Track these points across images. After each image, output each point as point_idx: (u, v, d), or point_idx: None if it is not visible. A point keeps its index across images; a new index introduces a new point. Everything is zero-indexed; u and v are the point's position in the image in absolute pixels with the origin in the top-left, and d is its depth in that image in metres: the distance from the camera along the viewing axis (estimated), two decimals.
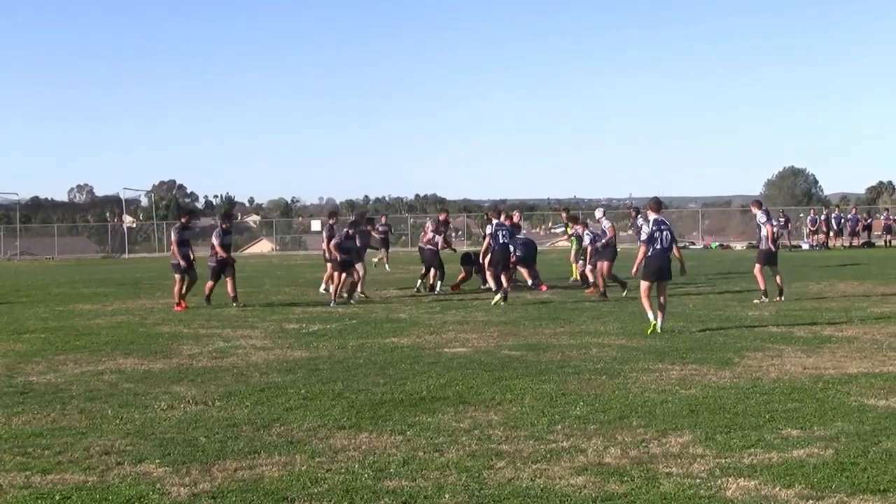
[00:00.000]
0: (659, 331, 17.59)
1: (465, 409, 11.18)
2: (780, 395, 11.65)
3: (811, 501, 7.55)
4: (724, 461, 8.71)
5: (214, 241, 25.47)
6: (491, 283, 25.39)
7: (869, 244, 57.53)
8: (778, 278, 23.72)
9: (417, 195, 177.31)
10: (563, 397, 11.77)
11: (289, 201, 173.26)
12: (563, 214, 35.81)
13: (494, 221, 25.98)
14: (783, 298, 23.20)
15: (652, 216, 18.48)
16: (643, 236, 18.64)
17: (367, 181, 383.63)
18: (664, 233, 18.18)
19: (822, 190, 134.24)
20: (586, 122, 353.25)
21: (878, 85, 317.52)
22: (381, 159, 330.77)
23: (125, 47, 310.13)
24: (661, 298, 18.06)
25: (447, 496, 7.87)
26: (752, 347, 15.62)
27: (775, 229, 25.01)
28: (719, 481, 8.09)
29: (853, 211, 62.43)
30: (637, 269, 18.31)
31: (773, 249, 24.00)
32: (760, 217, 24.81)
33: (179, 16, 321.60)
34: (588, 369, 13.77)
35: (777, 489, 7.84)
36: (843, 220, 58.38)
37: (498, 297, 24.11)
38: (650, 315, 17.91)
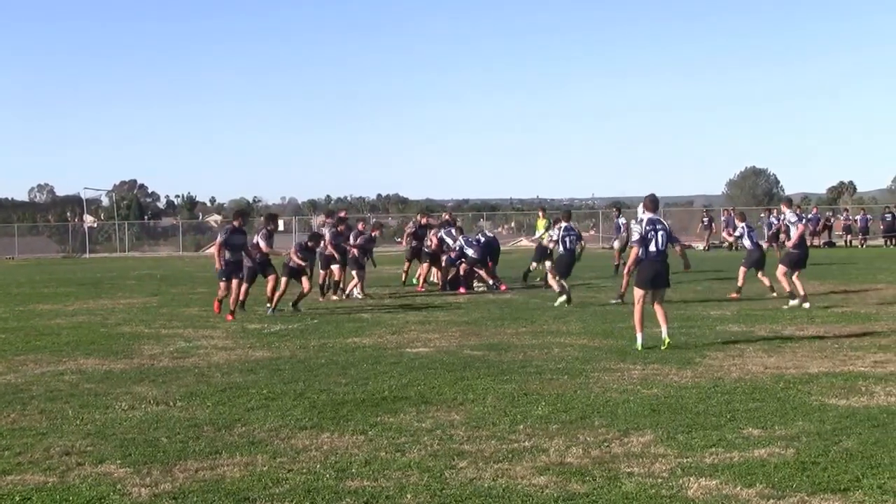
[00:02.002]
0: (665, 345, 15.56)
1: (426, 409, 11.17)
2: (741, 394, 11.70)
3: (772, 500, 7.58)
4: (685, 461, 8.74)
5: (261, 242, 23.39)
6: (554, 286, 24.00)
7: (830, 244, 57.91)
8: (798, 283, 22.31)
9: (380, 195, 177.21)
10: (524, 397, 11.78)
11: (250, 201, 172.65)
12: (541, 213, 35.89)
13: (563, 225, 24.96)
14: (800, 303, 21.86)
15: (647, 215, 16.29)
16: (635, 236, 16.71)
17: (330, 181, 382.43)
18: (659, 233, 15.99)
19: (783, 190, 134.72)
20: (549, 122, 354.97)
21: (840, 86, 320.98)
22: (344, 159, 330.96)
23: (85, 46, 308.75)
24: (660, 309, 16.06)
25: (409, 496, 7.85)
26: (714, 347, 15.68)
27: (802, 229, 23.29)
28: (681, 481, 8.11)
29: (814, 211, 62.75)
30: (629, 270, 17.59)
31: (804, 252, 22.69)
32: (790, 217, 24.07)
33: (139, 15, 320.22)
34: (550, 369, 13.78)
35: (738, 488, 7.87)
36: (805, 220, 58.33)
37: (562, 298, 23.13)
38: (639, 336, 15.71)
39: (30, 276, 43.48)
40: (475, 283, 28.74)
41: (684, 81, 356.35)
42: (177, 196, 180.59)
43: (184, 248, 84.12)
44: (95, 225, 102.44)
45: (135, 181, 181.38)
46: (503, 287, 28.16)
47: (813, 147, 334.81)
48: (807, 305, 21.54)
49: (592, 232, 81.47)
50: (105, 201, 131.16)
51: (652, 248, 15.87)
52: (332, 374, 13.75)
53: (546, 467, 8.61)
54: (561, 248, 24.42)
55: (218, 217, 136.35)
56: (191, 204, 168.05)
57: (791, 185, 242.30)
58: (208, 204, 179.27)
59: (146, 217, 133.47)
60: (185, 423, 10.65)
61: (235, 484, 8.28)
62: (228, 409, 11.44)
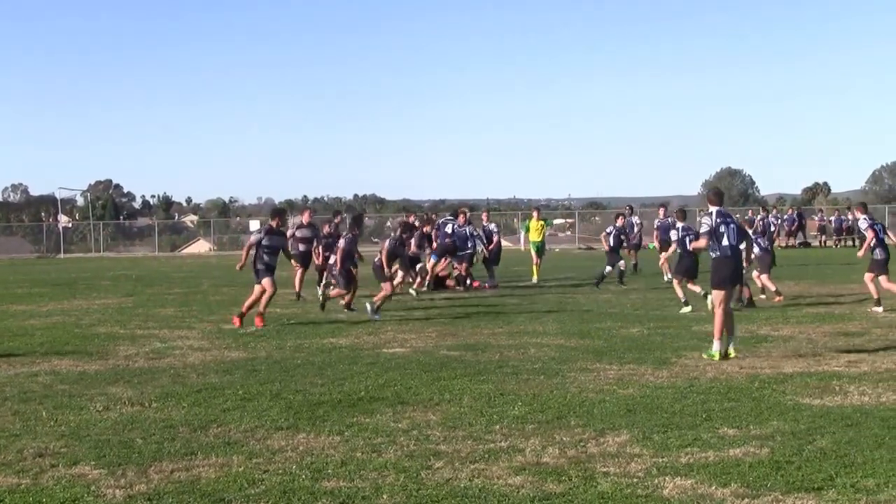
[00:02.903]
0: (732, 354, 14.49)
1: (403, 410, 11.16)
2: (716, 394, 11.74)
3: (747, 500, 7.61)
4: (660, 460, 8.76)
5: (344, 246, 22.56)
6: (679, 293, 21.75)
7: (805, 244, 58.12)
8: (687, 290, 21.79)
9: (356, 195, 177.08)
10: (501, 397, 11.78)
11: (227, 201, 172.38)
12: (535, 213, 35.05)
13: (680, 225, 23.25)
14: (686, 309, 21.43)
15: (714, 208, 15.26)
16: (703, 228, 15.15)
17: (306, 181, 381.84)
18: (731, 227, 15.02)
19: (758, 191, 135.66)
20: (525, 122, 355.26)
21: (816, 87, 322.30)
22: (320, 159, 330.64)
23: (60, 44, 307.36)
24: (730, 313, 15.02)
25: (385, 497, 7.85)
26: (690, 347, 15.72)
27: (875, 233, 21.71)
28: (656, 480, 8.13)
29: (789, 211, 62.92)
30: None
31: (887, 256, 21.35)
32: (862, 223, 22.74)
33: (115, 13, 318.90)
34: (526, 369, 13.79)
35: (713, 488, 7.89)
36: (780, 221, 58.05)
37: (688, 308, 21.33)
38: (716, 344, 14.49)
39: (3, 277, 43.27)
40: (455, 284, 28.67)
41: (661, 82, 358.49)
42: (152, 196, 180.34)
43: (159, 248, 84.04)
44: (70, 225, 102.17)
45: (110, 181, 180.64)
46: (476, 284, 28.25)
47: (788, 148, 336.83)
48: (879, 310, 20.61)
49: (569, 232, 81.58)
50: (80, 201, 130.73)
51: (725, 242, 14.84)
52: (308, 375, 13.73)
53: (522, 467, 8.62)
54: (681, 250, 22.28)
55: (194, 217, 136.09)
56: (167, 204, 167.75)
57: (766, 186, 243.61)
58: (184, 204, 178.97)
59: (121, 217, 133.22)
60: (161, 424, 10.61)
61: (211, 485, 8.25)
62: (204, 409, 11.41)
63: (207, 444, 9.67)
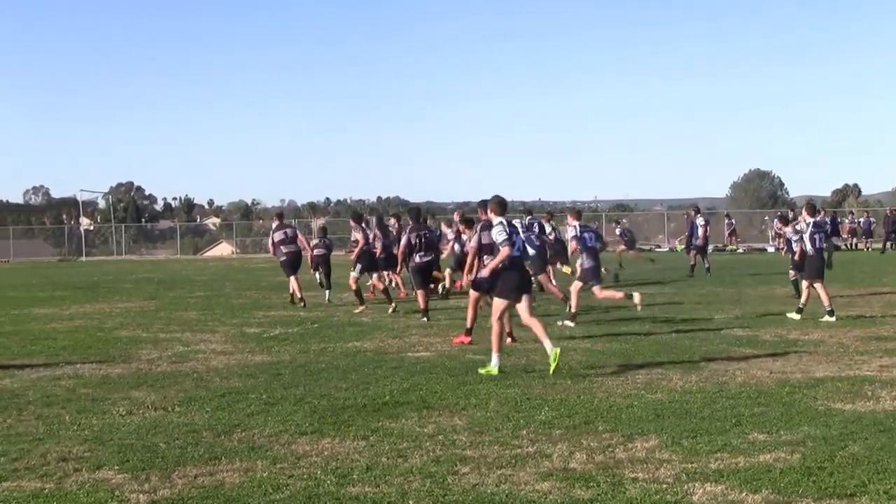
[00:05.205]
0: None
1: (428, 414, 11.08)
2: (746, 399, 11.61)
3: None
4: (690, 466, 8.65)
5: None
6: (824, 294, 20.35)
7: (835, 248, 57.75)
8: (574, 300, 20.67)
9: (380, 197, 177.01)
10: (527, 402, 11.68)
11: (249, 203, 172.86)
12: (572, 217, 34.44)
13: (810, 220, 21.48)
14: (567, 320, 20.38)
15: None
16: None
17: (329, 183, 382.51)
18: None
19: (787, 193, 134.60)
20: (552, 124, 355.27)
21: (846, 88, 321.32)
22: (343, 161, 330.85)
23: (82, 46, 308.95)
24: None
25: (411, 502, 7.77)
26: (719, 351, 15.60)
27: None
28: (686, 486, 8.03)
29: (821, 214, 62.47)
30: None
31: (596, 264, 20.84)
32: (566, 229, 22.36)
33: (136, 15, 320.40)
34: (553, 373, 13.68)
35: (744, 494, 7.79)
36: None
37: (830, 318, 19.99)
38: (495, 357, 14.06)
39: (25, 280, 43.45)
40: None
41: (688, 83, 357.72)
42: (174, 198, 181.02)
43: (181, 250, 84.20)
44: (92, 228, 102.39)
45: (132, 183, 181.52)
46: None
47: (818, 149, 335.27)
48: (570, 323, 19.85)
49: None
50: (101, 204, 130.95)
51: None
52: (332, 379, 13.66)
53: (549, 473, 8.52)
54: (810, 248, 21.06)
55: (216, 220, 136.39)
56: (188, 206, 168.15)
57: (796, 188, 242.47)
58: (206, 206, 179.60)
59: (143, 220, 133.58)
60: (184, 429, 10.56)
61: (235, 490, 8.19)
62: (228, 414, 11.35)
63: (231, 449, 9.61)
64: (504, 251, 14.09)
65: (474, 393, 12.32)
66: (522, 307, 14.18)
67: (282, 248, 26.16)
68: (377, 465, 8.89)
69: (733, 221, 62.41)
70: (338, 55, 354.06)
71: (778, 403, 11.31)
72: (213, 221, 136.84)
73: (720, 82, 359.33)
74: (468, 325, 17.26)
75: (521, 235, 14.61)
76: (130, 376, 14.32)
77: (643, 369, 13.94)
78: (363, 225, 24.75)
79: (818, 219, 22.26)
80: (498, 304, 14.32)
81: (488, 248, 15.35)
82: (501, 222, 14.31)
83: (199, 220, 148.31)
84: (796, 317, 20.04)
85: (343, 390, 12.74)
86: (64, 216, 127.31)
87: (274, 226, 27.43)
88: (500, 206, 14.75)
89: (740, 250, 54.90)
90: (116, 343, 18.32)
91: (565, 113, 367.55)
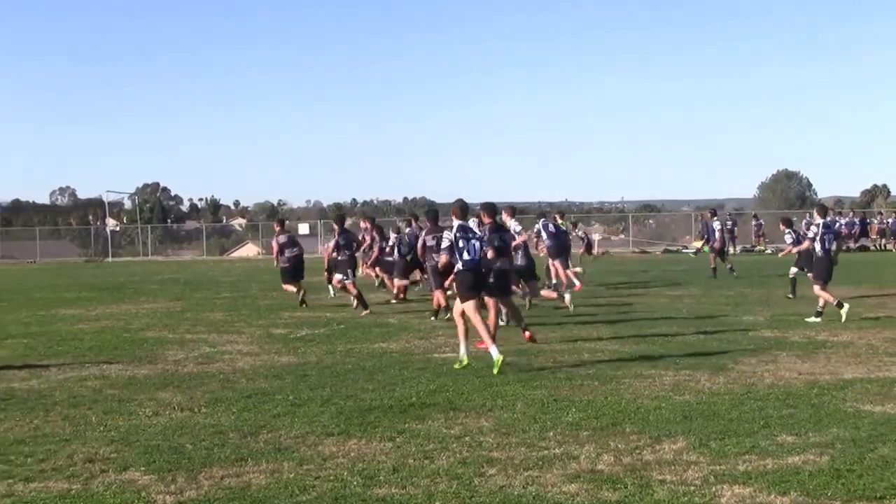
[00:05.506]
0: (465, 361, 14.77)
1: (455, 416, 11.06)
2: (774, 400, 11.55)
3: None
4: (718, 468, 8.61)
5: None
6: (826, 297, 20.29)
7: (863, 248, 57.44)
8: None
9: (406, 198, 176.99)
10: (554, 403, 11.65)
11: (275, 204, 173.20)
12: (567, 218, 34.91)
13: (820, 221, 21.18)
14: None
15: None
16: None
17: (355, 184, 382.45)
18: (471, 241, 15.51)
19: (815, 193, 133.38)
20: (579, 124, 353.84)
21: (874, 87, 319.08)
22: (369, 162, 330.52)
23: (108, 47, 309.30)
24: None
25: (438, 503, 7.75)
26: (747, 352, 15.52)
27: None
28: (714, 488, 8.00)
29: (850, 215, 62.12)
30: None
31: (530, 264, 21.12)
32: (515, 226, 21.60)
33: (161, 16, 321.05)
34: (580, 375, 13.64)
35: (772, 496, 7.76)
36: (839, 225, 56.99)
37: (844, 312, 19.92)
38: (494, 350, 14.38)
39: (52, 281, 43.61)
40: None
41: (715, 82, 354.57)
42: (200, 199, 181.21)
43: (207, 251, 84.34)
44: (118, 228, 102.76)
45: (157, 184, 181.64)
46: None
47: (846, 150, 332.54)
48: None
49: (622, 236, 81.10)
50: (127, 204, 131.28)
51: (466, 256, 15.26)
52: (358, 380, 13.66)
53: (577, 475, 8.50)
54: (818, 249, 20.81)
55: (242, 221, 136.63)
56: (214, 207, 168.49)
57: (824, 188, 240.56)
58: (232, 207, 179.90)
59: (169, 220, 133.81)
60: (211, 430, 10.57)
61: (261, 491, 8.19)
62: (254, 415, 11.36)
63: (258, 450, 9.61)
64: (441, 258, 15.27)
65: (501, 394, 12.30)
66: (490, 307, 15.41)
67: (285, 252, 26.37)
68: (404, 467, 8.88)
69: (762, 222, 62.04)
70: (367, 55, 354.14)
71: (806, 405, 11.24)
72: (238, 222, 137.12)
73: (748, 82, 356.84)
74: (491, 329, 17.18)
75: (475, 241, 15.15)
76: (157, 377, 14.35)
77: (670, 371, 13.88)
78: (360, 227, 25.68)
79: (828, 220, 22.24)
80: (459, 303, 14.99)
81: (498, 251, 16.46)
82: (454, 229, 15.06)
83: (224, 220, 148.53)
84: (817, 320, 19.90)
85: (369, 391, 12.74)
86: (90, 217, 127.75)
87: (276, 230, 27.87)
88: (461, 210, 15.43)
89: (768, 251, 54.47)
90: (143, 344, 18.37)
91: (592, 113, 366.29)
